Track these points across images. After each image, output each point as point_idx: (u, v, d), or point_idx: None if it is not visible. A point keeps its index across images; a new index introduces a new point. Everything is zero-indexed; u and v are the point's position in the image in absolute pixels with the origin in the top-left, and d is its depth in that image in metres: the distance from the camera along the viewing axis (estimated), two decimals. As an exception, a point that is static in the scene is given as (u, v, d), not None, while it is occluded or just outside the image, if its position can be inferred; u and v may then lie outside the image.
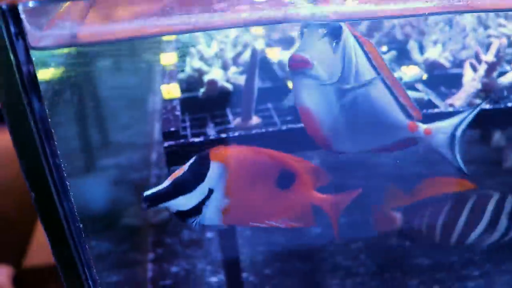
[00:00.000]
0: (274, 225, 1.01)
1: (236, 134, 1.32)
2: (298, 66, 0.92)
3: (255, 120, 1.40)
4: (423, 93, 1.36)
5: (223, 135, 1.32)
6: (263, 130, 1.33)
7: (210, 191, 0.92)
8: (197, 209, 0.92)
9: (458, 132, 1.05)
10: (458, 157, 1.05)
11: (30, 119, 0.74)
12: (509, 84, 1.35)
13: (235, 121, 1.42)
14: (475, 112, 1.05)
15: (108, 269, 1.62)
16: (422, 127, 1.04)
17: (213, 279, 1.64)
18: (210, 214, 0.93)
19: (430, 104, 1.36)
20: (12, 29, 0.69)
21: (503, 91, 1.35)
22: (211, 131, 1.40)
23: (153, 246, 1.76)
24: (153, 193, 0.89)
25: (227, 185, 0.93)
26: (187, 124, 1.44)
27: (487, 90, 1.35)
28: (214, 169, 0.92)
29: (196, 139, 1.31)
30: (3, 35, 0.69)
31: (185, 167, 0.92)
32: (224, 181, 0.93)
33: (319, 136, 1.00)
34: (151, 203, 0.89)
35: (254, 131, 1.33)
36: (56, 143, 0.81)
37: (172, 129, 1.32)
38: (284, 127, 1.33)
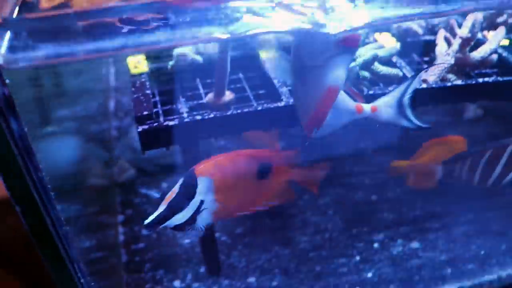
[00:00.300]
0: (258, 210, 1.11)
1: (211, 115, 1.29)
2: (353, 45, 0.95)
3: (228, 95, 1.36)
4: (398, 70, 1.35)
5: (198, 117, 1.29)
6: (238, 111, 1.31)
7: (201, 202, 0.98)
8: (191, 220, 0.98)
9: (404, 101, 1.12)
10: (413, 119, 1.13)
11: (10, 140, 0.74)
12: (482, 59, 1.35)
13: (207, 97, 1.38)
14: (414, 81, 1.12)
15: (77, 234, 1.62)
16: (368, 106, 1.10)
17: (186, 241, 1.67)
18: (202, 219, 1.00)
19: (405, 80, 1.35)
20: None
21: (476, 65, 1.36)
22: (183, 108, 1.36)
23: (121, 207, 1.75)
24: (153, 220, 0.94)
25: (215, 193, 1.00)
26: (157, 98, 1.39)
27: (460, 65, 1.36)
28: (201, 184, 0.98)
29: (171, 122, 1.28)
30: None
31: (176, 188, 0.97)
32: (212, 191, 1.00)
33: (322, 119, 1.05)
34: (151, 228, 0.95)
35: (228, 112, 1.31)
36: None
37: (145, 112, 1.27)
38: (259, 107, 1.32)
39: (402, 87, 1.11)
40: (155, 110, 1.33)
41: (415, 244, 1.66)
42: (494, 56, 1.37)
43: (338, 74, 0.97)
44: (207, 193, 0.99)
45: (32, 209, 0.82)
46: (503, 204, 1.72)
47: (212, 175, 0.99)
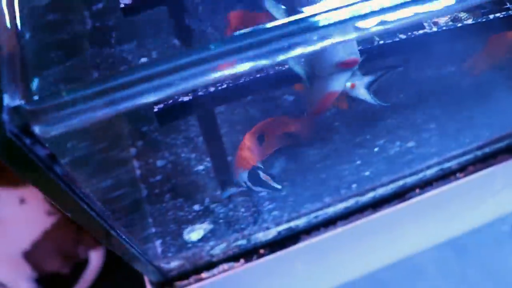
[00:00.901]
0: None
1: (224, 86, 1.29)
2: (351, 67, 1.18)
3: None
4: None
5: (211, 89, 1.29)
6: (251, 77, 1.30)
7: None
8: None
9: (371, 88, 1.36)
10: (379, 101, 1.41)
11: (58, 181, 0.86)
12: (493, -7, 1.32)
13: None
14: (384, 74, 1.36)
15: (95, 175, 1.67)
16: (348, 83, 1.34)
17: (200, 167, 1.74)
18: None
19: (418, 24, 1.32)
20: (27, 141, 0.74)
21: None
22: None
23: (131, 139, 1.78)
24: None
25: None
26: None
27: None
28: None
29: (186, 98, 1.28)
30: (28, 156, 0.76)
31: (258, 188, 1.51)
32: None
33: (320, 112, 1.39)
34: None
35: (241, 80, 1.30)
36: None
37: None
38: (271, 71, 1.30)
39: (374, 76, 1.35)
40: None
41: (410, 144, 1.78)
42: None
43: (337, 84, 1.24)
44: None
45: (84, 214, 0.97)
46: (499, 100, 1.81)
47: (256, 157, 1.51)
